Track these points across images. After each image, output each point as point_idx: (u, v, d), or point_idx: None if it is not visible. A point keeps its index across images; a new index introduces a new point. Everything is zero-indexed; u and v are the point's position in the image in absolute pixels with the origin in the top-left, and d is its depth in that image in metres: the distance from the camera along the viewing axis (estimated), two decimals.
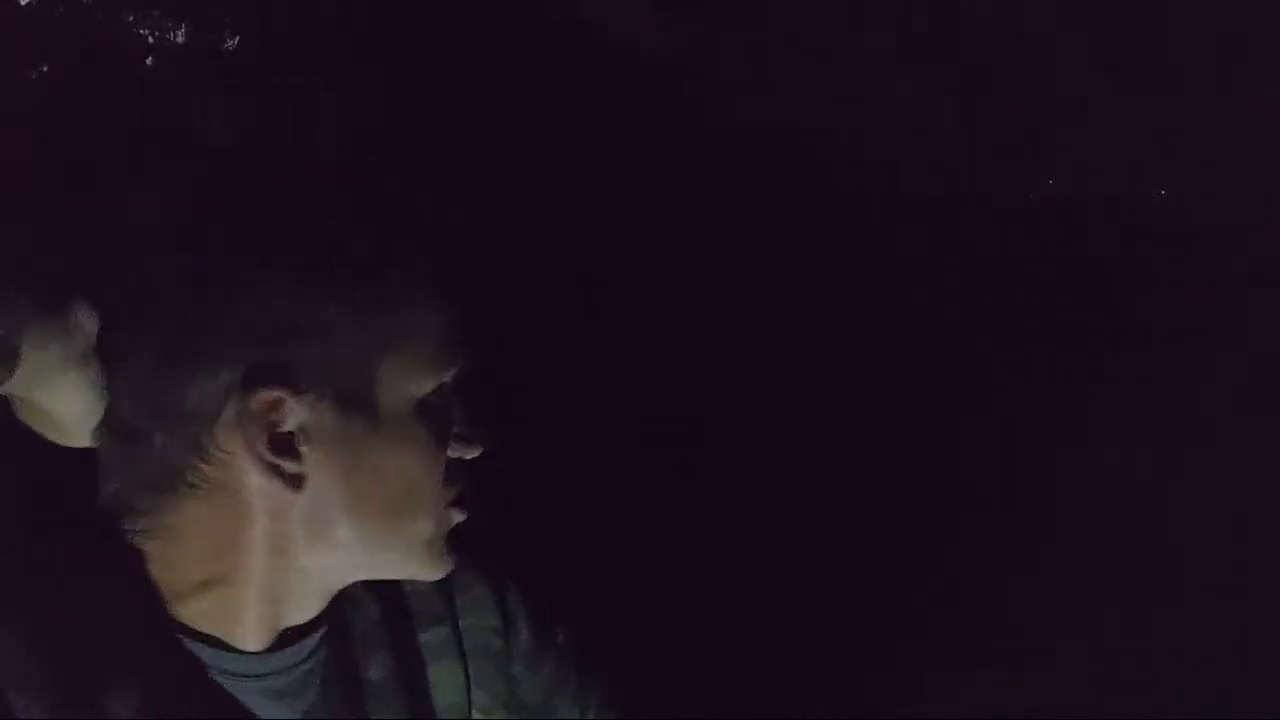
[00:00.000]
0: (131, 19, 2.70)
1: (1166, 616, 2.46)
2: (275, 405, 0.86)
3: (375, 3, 2.83)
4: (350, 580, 0.92)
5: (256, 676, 0.89)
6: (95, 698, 0.83)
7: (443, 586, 1.00)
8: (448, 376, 0.91)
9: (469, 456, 0.93)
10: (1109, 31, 3.08)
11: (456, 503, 0.93)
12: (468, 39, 2.80)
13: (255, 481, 0.86)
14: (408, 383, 0.89)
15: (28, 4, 2.56)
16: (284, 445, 0.86)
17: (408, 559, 0.92)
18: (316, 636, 0.92)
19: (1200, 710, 2.19)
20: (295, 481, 0.87)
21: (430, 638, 0.99)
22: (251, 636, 0.89)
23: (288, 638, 0.91)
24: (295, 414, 0.86)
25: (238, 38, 2.77)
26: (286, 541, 0.88)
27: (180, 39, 2.73)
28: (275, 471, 0.87)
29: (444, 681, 0.99)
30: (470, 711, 0.99)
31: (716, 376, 2.67)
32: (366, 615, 0.97)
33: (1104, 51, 3.07)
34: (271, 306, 0.85)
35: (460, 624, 1.01)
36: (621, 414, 2.56)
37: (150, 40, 2.72)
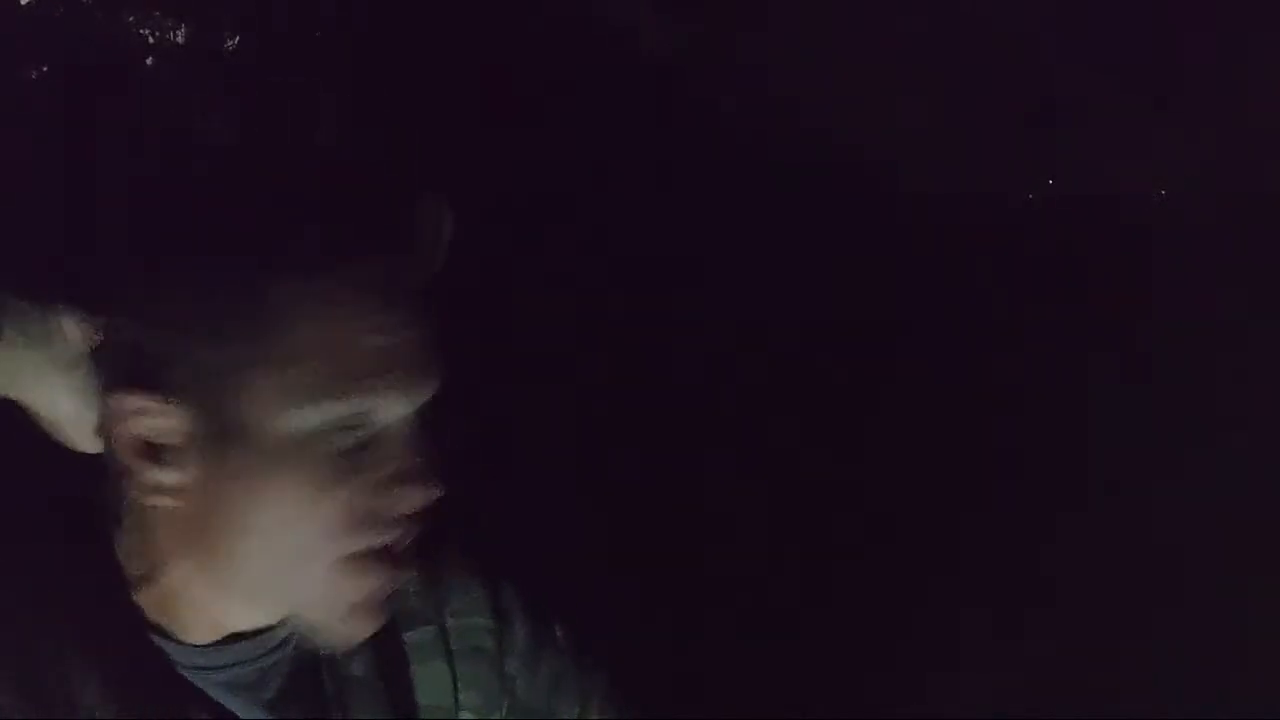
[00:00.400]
0: (131, 19, 2.70)
1: (1166, 617, 2.46)
2: (141, 411, 0.84)
3: (375, 3, 2.83)
4: (268, 603, 0.86)
5: (214, 669, 0.88)
6: (61, 692, 0.83)
7: (433, 586, 0.99)
8: (345, 413, 0.81)
9: (395, 511, 0.83)
10: (1109, 31, 3.07)
11: (369, 559, 0.83)
12: (466, 39, 2.80)
13: (137, 486, 0.85)
14: (284, 412, 0.81)
15: (28, 4, 2.56)
16: (157, 454, 0.84)
17: (301, 607, 0.85)
18: (280, 634, 0.90)
19: (1200, 710, 2.19)
20: (172, 492, 0.84)
21: (416, 637, 0.98)
22: (194, 632, 0.88)
23: (247, 634, 0.90)
24: (164, 422, 0.83)
25: (238, 38, 2.77)
26: (186, 549, 0.86)
27: (180, 39, 2.73)
28: (147, 478, 0.84)
29: (429, 682, 0.97)
30: (458, 712, 0.98)
31: (717, 374, 2.67)
32: None
33: (1104, 51, 3.07)
34: (143, 314, 0.83)
35: (448, 624, 0.99)
36: (624, 411, 2.56)
37: (150, 40, 2.72)
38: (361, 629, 0.86)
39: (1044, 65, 3.07)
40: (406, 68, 2.74)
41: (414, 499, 0.83)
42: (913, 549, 2.56)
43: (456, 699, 0.98)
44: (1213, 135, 3.09)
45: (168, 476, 0.84)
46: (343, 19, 2.77)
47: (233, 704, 0.89)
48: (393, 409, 0.83)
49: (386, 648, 0.96)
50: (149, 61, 2.71)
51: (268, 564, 0.84)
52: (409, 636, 0.98)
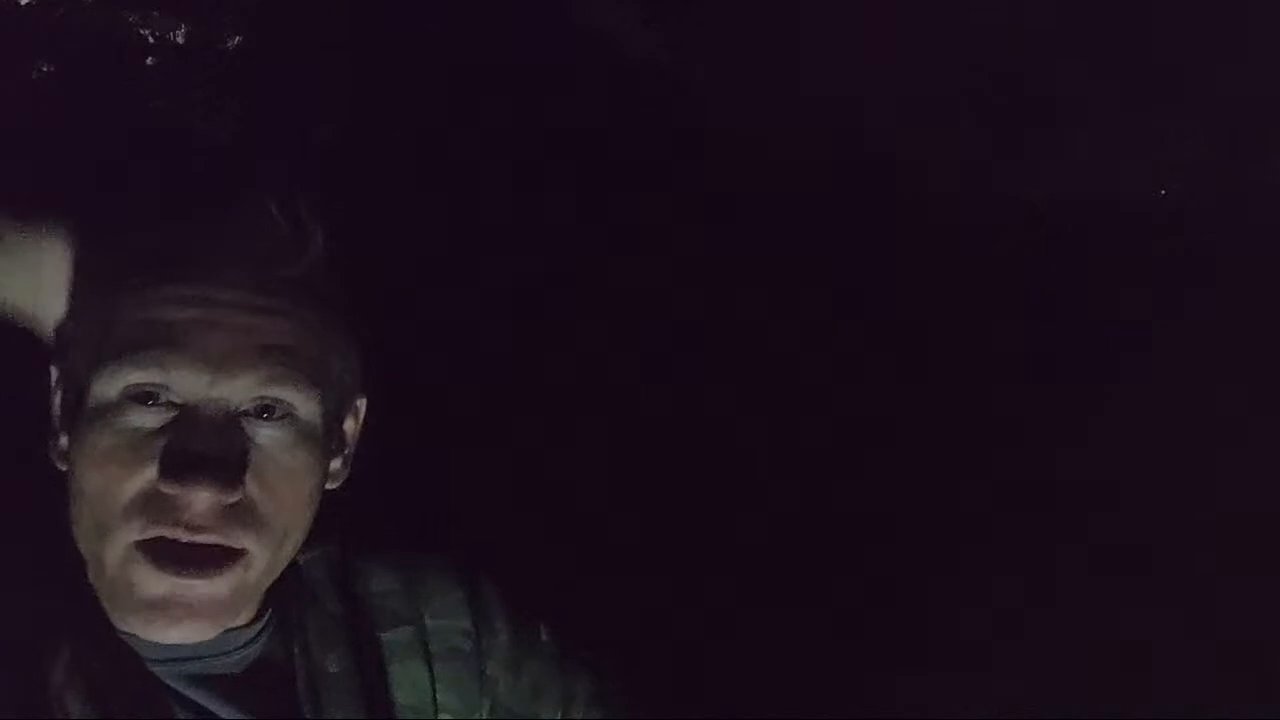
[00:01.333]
0: (131, 19, 2.70)
1: (1167, 618, 2.46)
2: (56, 378, 0.88)
3: (374, 3, 2.83)
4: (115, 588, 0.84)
5: (181, 660, 0.87)
6: (42, 692, 0.83)
7: (413, 588, 0.99)
8: (140, 379, 0.80)
9: (188, 503, 0.80)
10: (1110, 31, 3.07)
11: (162, 551, 0.81)
12: (464, 38, 2.80)
13: (55, 453, 0.88)
14: (94, 382, 0.82)
15: (28, 4, 2.56)
16: (64, 423, 0.87)
17: (102, 586, 0.83)
18: (252, 631, 0.90)
19: (1200, 710, 2.19)
20: (61, 459, 0.87)
21: (394, 637, 0.97)
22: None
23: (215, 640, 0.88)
24: (59, 387, 0.87)
25: (238, 38, 2.77)
26: (77, 521, 0.86)
27: (180, 39, 2.73)
28: (54, 446, 0.87)
29: (406, 682, 0.97)
30: (435, 713, 0.97)
31: (707, 373, 2.67)
32: (326, 611, 0.95)
33: (1104, 51, 3.07)
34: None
35: (427, 625, 0.99)
36: (609, 410, 2.55)
37: (150, 40, 2.72)
38: (153, 627, 0.82)
39: (1044, 65, 3.06)
40: (402, 67, 2.74)
41: (190, 494, 0.80)
42: (907, 549, 2.55)
43: (435, 700, 0.98)
44: (1213, 135, 3.09)
45: (61, 441, 0.87)
46: (340, 19, 2.77)
47: (204, 699, 0.88)
48: (194, 389, 0.81)
49: (364, 646, 0.96)
50: (149, 61, 2.71)
51: (86, 535, 0.84)
52: (387, 636, 0.98)
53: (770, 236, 2.86)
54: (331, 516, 0.93)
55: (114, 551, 0.82)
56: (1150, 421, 2.74)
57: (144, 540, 0.82)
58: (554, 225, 2.73)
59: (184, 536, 0.81)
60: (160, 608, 0.82)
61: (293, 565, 0.92)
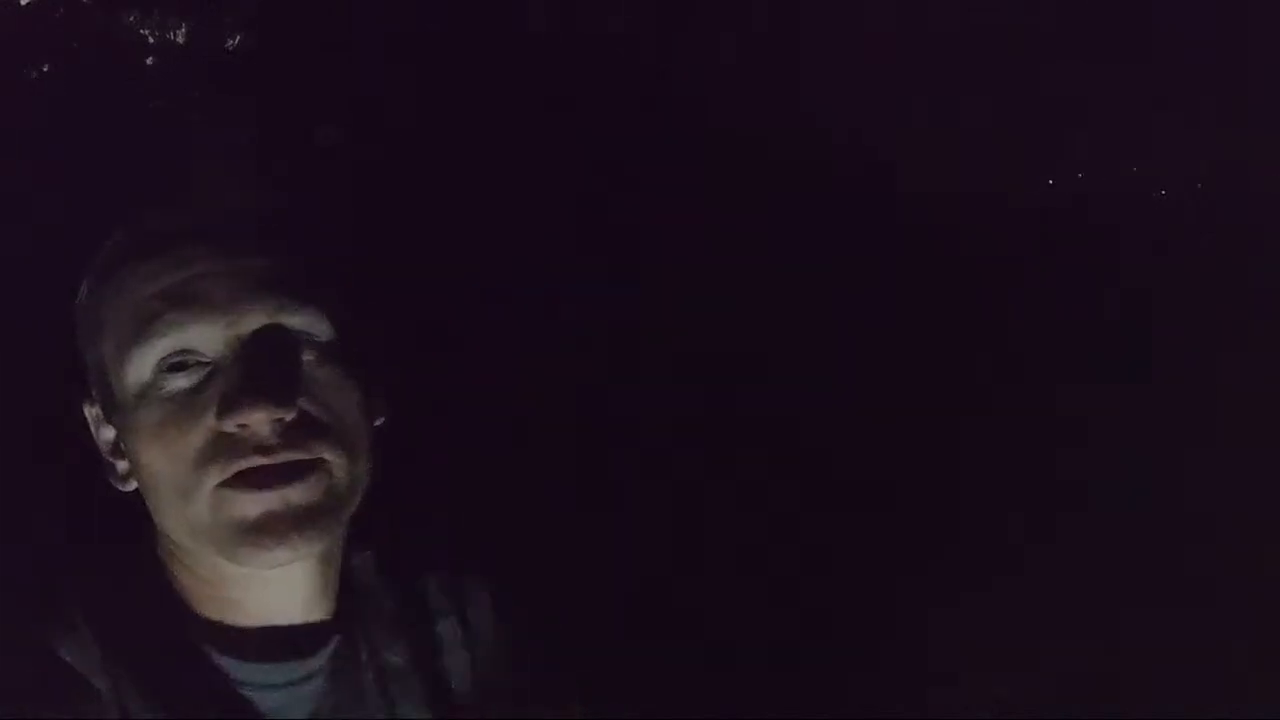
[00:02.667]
0: (131, 19, 2.70)
1: (1168, 619, 2.46)
2: (91, 416, 0.91)
3: (374, 3, 2.83)
4: (231, 569, 0.89)
5: (272, 687, 0.90)
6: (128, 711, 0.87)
7: (453, 583, 1.03)
8: (167, 349, 0.85)
9: (233, 428, 0.84)
10: (1110, 31, 3.08)
11: (242, 482, 0.85)
12: (464, 38, 2.80)
13: (116, 478, 0.91)
14: (125, 368, 0.87)
15: (28, 4, 2.56)
16: (116, 449, 0.91)
17: (211, 546, 0.87)
18: (328, 650, 0.92)
19: (1199, 710, 2.19)
20: (124, 479, 0.90)
21: (444, 628, 1.01)
22: (245, 641, 0.90)
23: (297, 638, 0.91)
24: (101, 421, 0.91)
25: (238, 38, 2.77)
26: (162, 540, 0.90)
27: (180, 39, 2.73)
28: (113, 473, 0.91)
29: (457, 670, 1.00)
30: (480, 699, 1.00)
31: (710, 372, 2.67)
32: (381, 607, 0.99)
33: (1104, 51, 3.08)
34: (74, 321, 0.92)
35: (468, 616, 1.02)
36: (608, 415, 2.56)
37: (150, 40, 2.72)
38: (263, 550, 0.86)
39: (1044, 65, 3.07)
40: (403, 68, 2.74)
41: (251, 420, 0.84)
42: (906, 548, 2.56)
43: (476, 689, 1.01)
44: (1213, 135, 3.09)
45: (125, 465, 0.90)
46: (340, 19, 2.77)
47: (278, 704, 0.91)
48: (214, 343, 0.86)
49: (420, 638, 1.00)
50: (149, 61, 2.71)
51: (171, 510, 0.87)
52: (438, 627, 1.01)
53: (770, 236, 2.87)
54: (368, 521, 0.95)
55: (202, 502, 0.86)
56: (1150, 421, 2.74)
57: (227, 479, 0.85)
58: (554, 225, 2.73)
59: (261, 460, 0.84)
60: (263, 527, 0.85)
61: (346, 563, 0.96)
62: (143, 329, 0.86)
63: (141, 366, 0.86)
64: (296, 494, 0.86)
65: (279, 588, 0.91)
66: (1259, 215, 3.01)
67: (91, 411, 0.92)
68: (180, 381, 0.86)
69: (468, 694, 1.02)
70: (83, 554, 0.94)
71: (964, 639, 2.35)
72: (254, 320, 0.86)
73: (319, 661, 0.93)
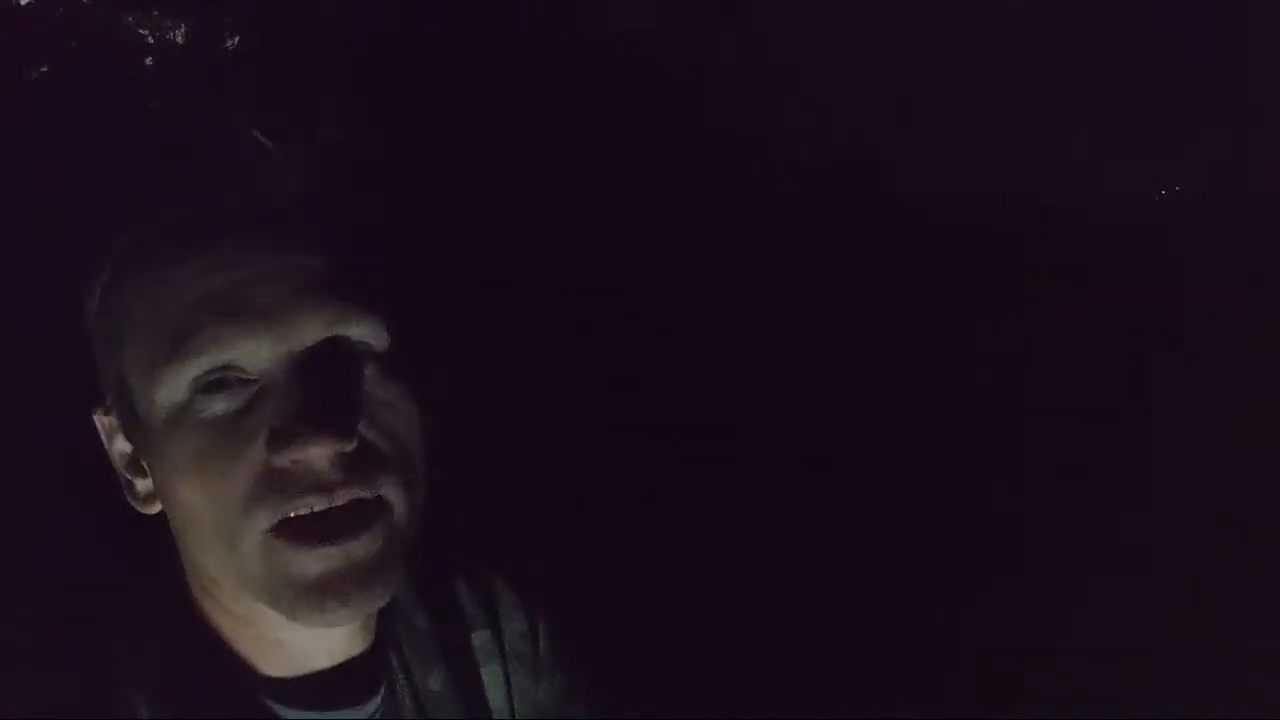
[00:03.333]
0: (131, 19, 2.70)
1: (1168, 620, 2.46)
2: (109, 425, 0.81)
3: (374, 3, 2.83)
4: (273, 614, 0.78)
5: None
6: None
7: (483, 591, 0.97)
8: (206, 366, 0.73)
9: (286, 462, 0.72)
10: (1110, 31, 3.07)
11: (300, 528, 0.73)
12: (464, 38, 2.80)
13: (136, 498, 0.81)
14: (155, 387, 0.74)
15: (28, 4, 2.56)
16: (135, 465, 0.80)
17: (263, 601, 0.76)
18: (378, 695, 0.86)
19: (1199, 710, 2.19)
20: (147, 501, 0.80)
21: (479, 641, 0.95)
22: (272, 665, 0.83)
23: (348, 682, 0.84)
24: (116, 432, 0.81)
25: (238, 38, 2.77)
26: (191, 571, 0.81)
27: (180, 39, 2.73)
28: (131, 491, 0.81)
29: (493, 685, 0.95)
30: (513, 714, 0.95)
31: (729, 378, 2.67)
32: (417, 628, 0.92)
33: (1104, 51, 3.07)
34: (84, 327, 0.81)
35: (502, 628, 0.96)
36: (609, 411, 2.55)
37: (150, 40, 2.72)
38: (325, 612, 0.75)
39: (1044, 65, 3.06)
40: (402, 70, 2.74)
41: (308, 455, 0.73)
42: (905, 549, 2.55)
43: (511, 702, 0.96)
44: (1214, 135, 3.09)
45: (146, 484, 0.81)
46: (341, 20, 2.77)
47: None
48: (261, 359, 0.74)
49: (456, 655, 0.93)
50: (149, 61, 2.71)
51: (212, 552, 0.77)
52: (473, 639, 0.95)
53: (770, 236, 2.86)
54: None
55: (250, 550, 0.74)
56: (1150, 420, 2.74)
57: (277, 524, 0.74)
58: (554, 225, 2.73)
59: (319, 504, 0.73)
60: (324, 588, 0.74)
61: None
62: (178, 343, 0.73)
63: (175, 386, 0.74)
64: (361, 548, 0.75)
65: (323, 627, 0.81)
66: (1260, 216, 3.01)
67: (105, 421, 0.81)
68: (221, 404, 0.74)
69: (502, 708, 0.94)
70: (109, 586, 0.84)
71: (966, 640, 2.35)
72: (310, 332, 0.74)
73: (372, 708, 0.86)
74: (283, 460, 0.73)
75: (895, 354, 2.80)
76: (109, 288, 0.78)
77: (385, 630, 0.89)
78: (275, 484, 0.73)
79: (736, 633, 2.30)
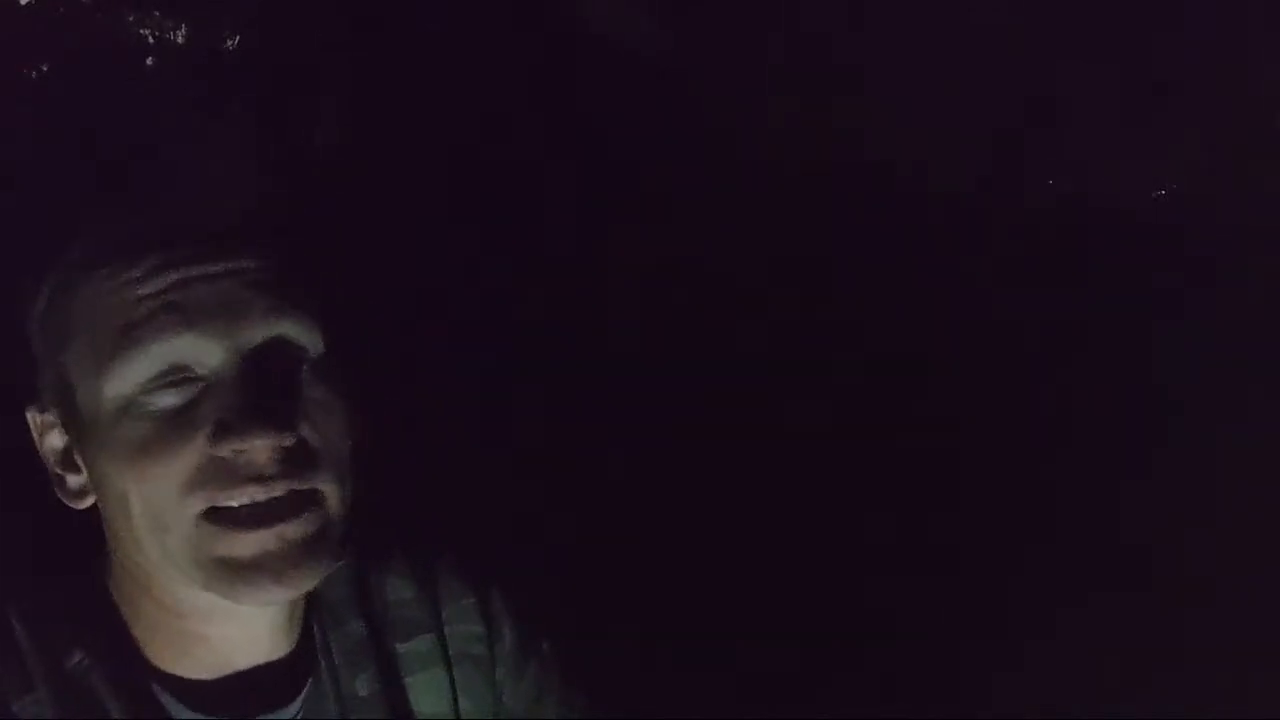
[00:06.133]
0: (131, 19, 2.70)
1: (1167, 621, 2.46)
2: (41, 422, 0.85)
3: (374, 3, 2.83)
4: (221, 603, 0.82)
5: None
6: None
7: (429, 594, 0.98)
8: (158, 368, 0.77)
9: (227, 452, 0.77)
10: (1110, 31, 3.07)
11: (235, 513, 0.78)
12: (464, 38, 2.80)
13: (67, 494, 0.85)
14: (102, 382, 0.78)
15: (28, 4, 2.56)
16: (67, 460, 0.84)
17: (198, 583, 0.80)
18: (300, 697, 0.88)
19: (1199, 710, 2.19)
20: (78, 495, 0.84)
21: (414, 647, 0.96)
22: (191, 665, 0.86)
23: (268, 684, 0.87)
24: (51, 428, 0.84)
25: (238, 38, 2.77)
26: (121, 562, 0.84)
27: (180, 39, 2.73)
28: (62, 486, 0.85)
29: (427, 691, 0.95)
30: (459, 717, 0.96)
31: (712, 375, 2.67)
32: (350, 633, 0.94)
33: (1104, 51, 3.07)
34: (26, 326, 0.84)
35: (445, 631, 0.98)
36: (609, 415, 2.55)
37: (150, 40, 2.72)
38: (259, 590, 0.79)
39: (1044, 65, 3.06)
40: (402, 68, 2.74)
41: (249, 447, 0.77)
42: (904, 550, 2.55)
43: (456, 706, 0.97)
44: (1213, 135, 3.09)
45: (78, 479, 0.84)
46: (341, 20, 2.77)
47: None
48: (207, 356, 0.79)
49: (390, 662, 0.95)
50: (149, 61, 2.71)
51: (144, 536, 0.80)
52: (408, 646, 0.96)
53: (769, 236, 2.86)
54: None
55: (182, 533, 0.79)
56: (1149, 422, 2.74)
57: (209, 510, 0.79)
58: (554, 224, 2.73)
59: (258, 495, 0.78)
60: (260, 566, 0.79)
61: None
62: (127, 340, 0.78)
63: (123, 380, 0.78)
64: (293, 530, 0.79)
65: (250, 617, 0.86)
66: (1259, 217, 3.01)
67: (40, 418, 0.85)
68: (169, 398, 0.79)
69: (442, 714, 0.96)
70: (28, 586, 0.86)
71: (962, 643, 2.35)
72: (253, 331, 0.79)
73: (291, 712, 0.88)
74: (224, 450, 0.78)
75: (893, 354, 2.80)
76: (58, 289, 0.82)
77: (315, 633, 0.91)
78: (213, 472, 0.78)
79: (718, 630, 2.30)
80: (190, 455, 0.78)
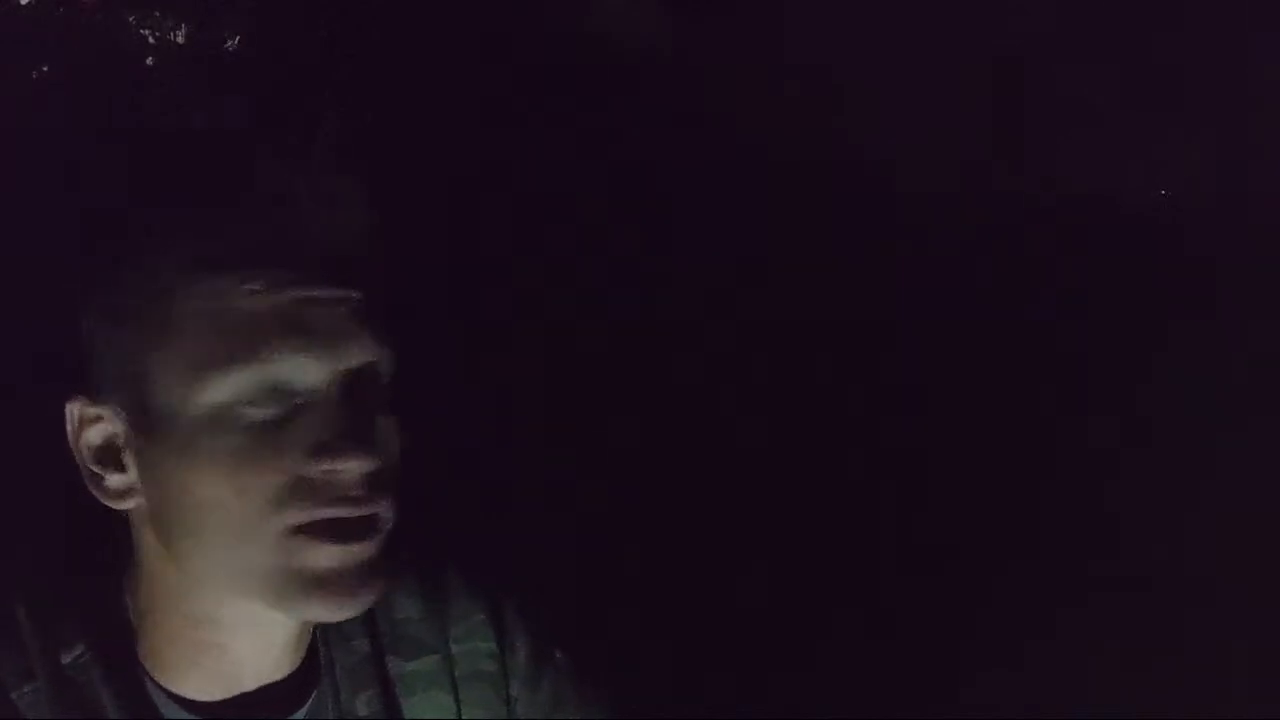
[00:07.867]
0: (131, 19, 2.70)
1: (1168, 624, 2.46)
2: (83, 416, 0.84)
3: (375, 3, 2.83)
4: (250, 616, 0.83)
5: None
6: None
7: (436, 612, 0.98)
8: (256, 381, 0.78)
9: (331, 482, 0.79)
10: (1110, 31, 3.07)
11: (316, 531, 0.80)
12: (464, 38, 2.80)
13: (104, 492, 0.84)
14: (198, 387, 0.78)
15: (28, 4, 2.56)
16: (108, 457, 0.83)
17: (265, 596, 0.81)
18: (301, 713, 0.89)
19: (1200, 710, 2.19)
20: (122, 496, 0.83)
21: (417, 668, 0.96)
22: (194, 682, 0.86)
23: (273, 702, 0.87)
24: (101, 423, 0.83)
25: (238, 38, 2.77)
26: (158, 550, 0.84)
27: (180, 39, 2.73)
28: (99, 485, 0.84)
29: (427, 713, 0.95)
30: None
31: (720, 384, 2.67)
32: (355, 651, 0.94)
33: (1104, 51, 3.07)
34: (70, 315, 0.84)
35: (452, 651, 0.97)
36: (614, 419, 2.55)
37: (150, 40, 2.72)
38: (333, 604, 0.81)
39: (1044, 65, 3.06)
40: (402, 68, 2.74)
41: (345, 468, 0.79)
42: (904, 550, 2.55)
43: None
44: (1213, 135, 3.09)
45: (123, 479, 0.83)
46: (341, 19, 2.77)
47: None
48: (309, 375, 0.80)
49: (389, 683, 0.95)
50: (149, 61, 2.71)
51: (214, 548, 0.81)
52: (411, 666, 0.96)
53: (769, 236, 2.86)
54: None
55: (266, 545, 0.80)
56: (1150, 421, 2.74)
57: (304, 524, 0.80)
58: (554, 225, 2.73)
59: (349, 513, 0.80)
60: (334, 581, 0.81)
61: None
62: (238, 350, 0.79)
63: (222, 389, 0.79)
64: (364, 550, 0.82)
65: (271, 631, 0.87)
66: (1260, 216, 3.01)
67: (86, 411, 0.84)
68: (264, 412, 0.80)
69: None
70: (41, 580, 0.87)
71: (963, 643, 2.35)
72: (353, 357, 0.81)
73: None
74: (316, 470, 0.80)
75: (892, 354, 2.80)
76: (149, 284, 0.81)
77: (320, 653, 0.92)
78: (305, 489, 0.80)
79: (731, 635, 2.30)
80: (280, 471, 0.79)
